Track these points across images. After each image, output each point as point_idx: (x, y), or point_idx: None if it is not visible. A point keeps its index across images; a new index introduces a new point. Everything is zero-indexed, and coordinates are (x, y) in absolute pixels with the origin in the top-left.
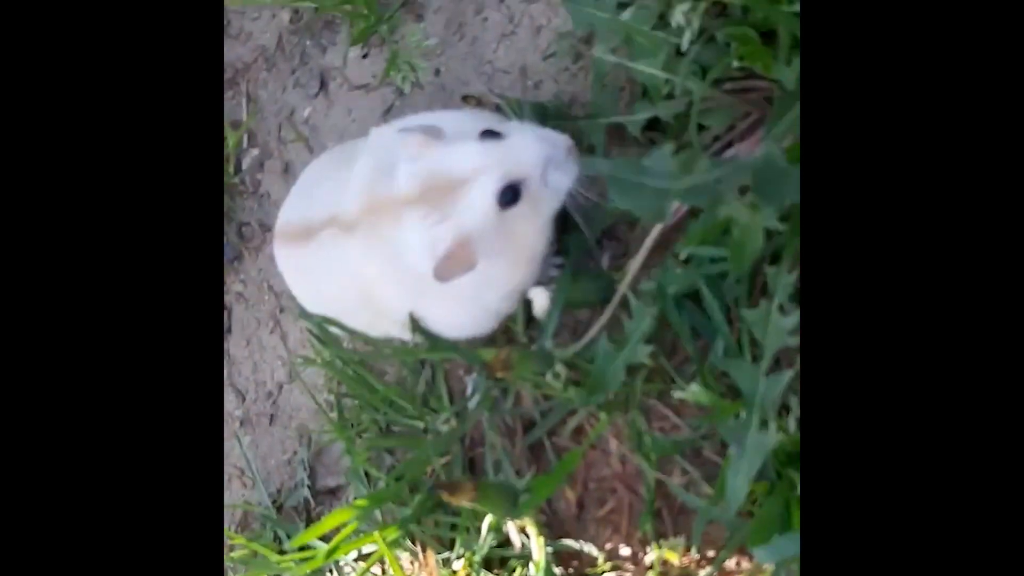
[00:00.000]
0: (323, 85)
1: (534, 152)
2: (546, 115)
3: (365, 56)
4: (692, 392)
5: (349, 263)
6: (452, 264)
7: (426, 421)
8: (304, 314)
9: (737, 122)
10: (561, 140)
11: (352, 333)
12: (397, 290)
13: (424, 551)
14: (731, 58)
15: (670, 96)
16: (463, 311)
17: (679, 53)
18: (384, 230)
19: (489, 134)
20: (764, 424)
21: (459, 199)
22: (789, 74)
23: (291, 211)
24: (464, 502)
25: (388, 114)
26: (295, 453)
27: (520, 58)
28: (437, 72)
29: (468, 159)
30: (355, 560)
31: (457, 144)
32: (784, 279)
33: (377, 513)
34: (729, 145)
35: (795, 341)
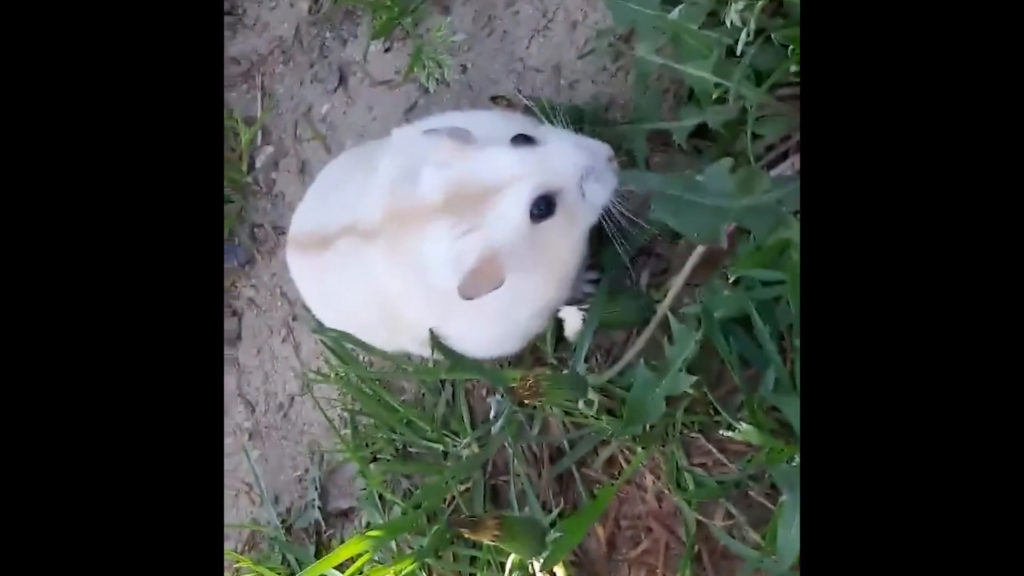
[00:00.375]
0: (342, 80)
1: (572, 161)
2: (582, 119)
3: (387, 50)
4: (742, 432)
5: (369, 274)
6: (478, 280)
7: (445, 444)
8: (318, 328)
9: (793, 131)
10: (601, 149)
11: (368, 350)
12: (420, 304)
13: None
14: (790, 62)
15: (719, 101)
16: (489, 329)
17: (731, 54)
18: (407, 240)
19: (523, 139)
20: None
21: (488, 209)
22: None
23: (306, 216)
24: (486, 539)
25: (411, 112)
26: (306, 470)
27: (554, 55)
28: (464, 69)
29: (500, 166)
30: None
31: (488, 150)
32: None
33: (392, 542)
34: (784, 156)
35: None
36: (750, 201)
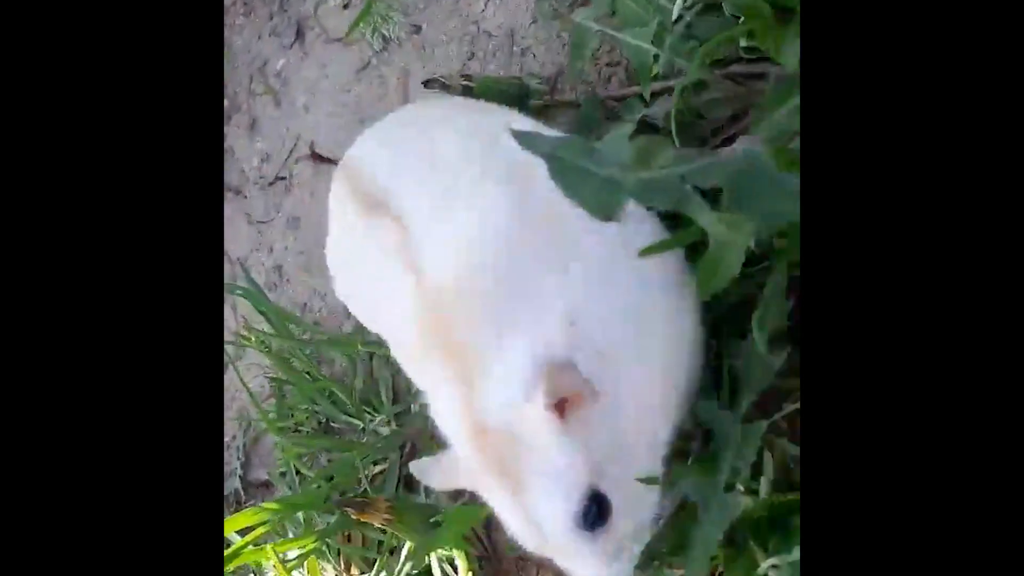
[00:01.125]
0: (299, 35)
1: None
2: (527, 96)
3: (346, 7)
4: None
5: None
6: None
7: (364, 420)
8: (234, 286)
9: (741, 113)
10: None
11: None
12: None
13: (348, 568)
14: (735, 33)
15: (660, 77)
16: None
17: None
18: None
19: (596, 508)
20: (731, 487)
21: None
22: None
23: (368, 151)
24: (376, 522)
25: (363, 72)
26: (234, 437)
27: (510, 20)
28: (418, 29)
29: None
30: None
31: (562, 473)
32: (773, 307)
33: (300, 518)
34: (732, 139)
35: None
36: (648, 175)
